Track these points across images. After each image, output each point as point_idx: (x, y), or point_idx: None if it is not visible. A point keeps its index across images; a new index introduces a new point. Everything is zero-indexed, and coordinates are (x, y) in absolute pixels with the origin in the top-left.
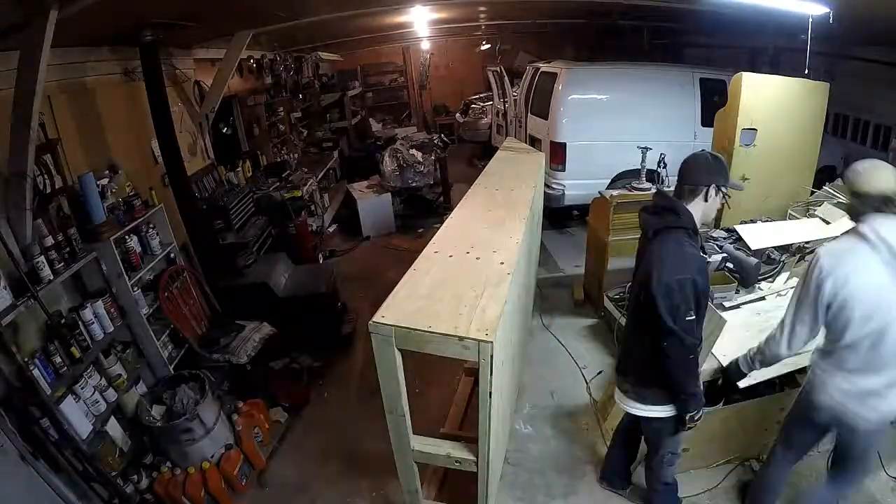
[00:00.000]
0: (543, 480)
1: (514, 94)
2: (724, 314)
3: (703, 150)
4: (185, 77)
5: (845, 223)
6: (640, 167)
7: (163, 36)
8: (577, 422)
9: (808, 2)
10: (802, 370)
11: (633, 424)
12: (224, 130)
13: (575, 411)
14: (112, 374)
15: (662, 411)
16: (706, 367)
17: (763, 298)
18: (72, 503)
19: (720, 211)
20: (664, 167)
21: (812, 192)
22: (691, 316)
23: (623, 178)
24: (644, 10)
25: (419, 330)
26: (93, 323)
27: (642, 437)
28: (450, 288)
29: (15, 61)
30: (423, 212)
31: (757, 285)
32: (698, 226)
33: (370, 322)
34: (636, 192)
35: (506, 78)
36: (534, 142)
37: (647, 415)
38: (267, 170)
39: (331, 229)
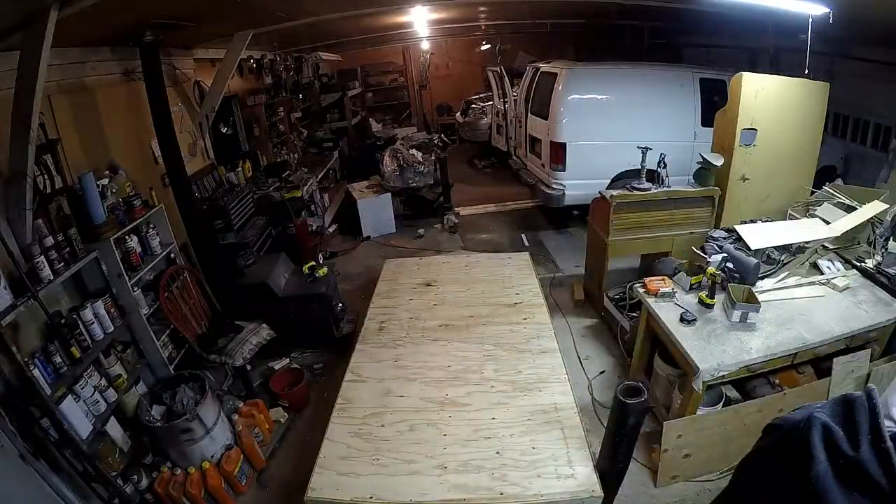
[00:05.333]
0: None
1: (514, 94)
2: None
3: None
4: (185, 77)
5: (844, 223)
6: (640, 167)
7: (163, 36)
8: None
9: (808, 2)
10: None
11: None
12: (224, 130)
13: None
14: (112, 374)
15: None
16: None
17: None
18: (72, 503)
19: (719, 211)
20: (664, 167)
21: (812, 192)
22: None
23: (623, 178)
24: (644, 10)
25: None
26: (93, 323)
27: None
28: None
29: (15, 61)
30: (423, 212)
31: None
32: None
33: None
34: (636, 192)
35: (506, 78)
36: (534, 142)
37: None
38: (267, 170)
39: (331, 229)
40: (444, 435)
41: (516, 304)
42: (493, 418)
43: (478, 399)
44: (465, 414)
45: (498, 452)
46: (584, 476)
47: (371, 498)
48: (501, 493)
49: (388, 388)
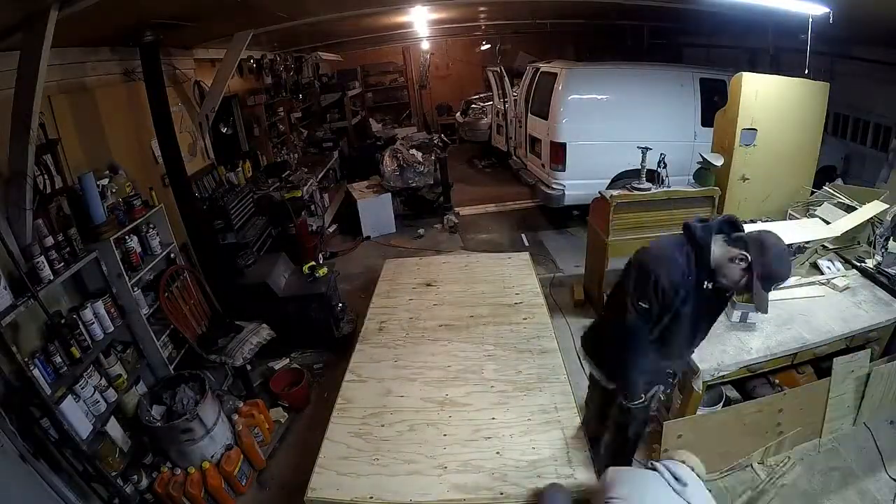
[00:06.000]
0: None
1: (514, 94)
2: None
3: (777, 240)
4: (185, 77)
5: (844, 223)
6: (640, 167)
7: (163, 36)
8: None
9: (808, 2)
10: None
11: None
12: (224, 130)
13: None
14: (112, 374)
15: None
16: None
17: None
18: (72, 503)
19: (719, 211)
20: (664, 167)
21: (812, 192)
22: (644, 304)
23: (623, 178)
24: (644, 10)
25: None
26: (93, 323)
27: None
28: None
29: (15, 61)
30: (423, 212)
31: None
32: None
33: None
34: (636, 192)
35: (506, 78)
36: (534, 142)
37: (609, 387)
38: (267, 170)
39: (331, 229)
40: (444, 435)
41: (516, 304)
42: (493, 418)
43: (478, 399)
44: (465, 414)
45: (498, 452)
46: (584, 476)
47: (371, 498)
48: (501, 493)
49: (388, 388)
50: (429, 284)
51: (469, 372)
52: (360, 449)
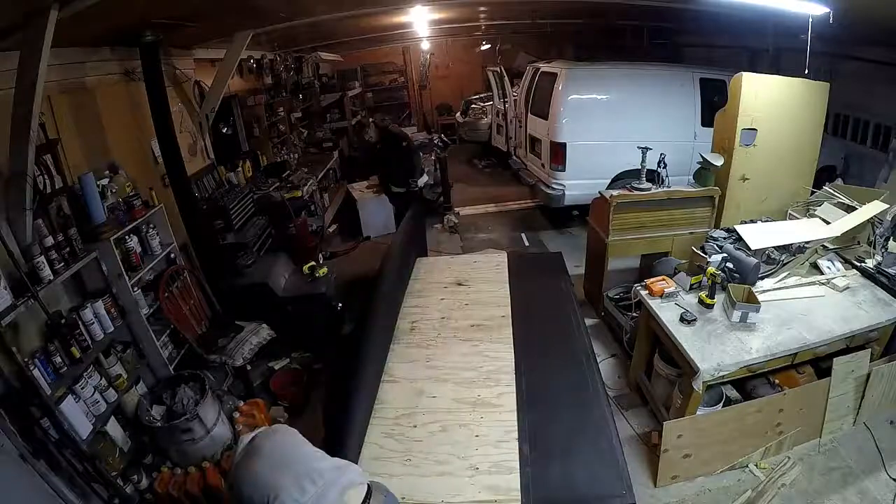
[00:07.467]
0: None
1: (514, 94)
2: None
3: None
4: (185, 77)
5: (844, 223)
6: (640, 167)
7: (163, 36)
8: None
9: (808, 2)
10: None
11: None
12: (224, 130)
13: None
14: (112, 374)
15: None
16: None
17: None
18: (72, 503)
19: (719, 211)
20: (664, 167)
21: (812, 192)
22: None
23: (623, 178)
24: (644, 10)
25: None
26: (93, 323)
27: None
28: None
29: (15, 61)
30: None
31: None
32: None
33: None
34: (636, 192)
35: (506, 78)
36: (534, 142)
37: None
38: (267, 170)
39: (331, 229)
40: (476, 436)
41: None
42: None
43: (509, 400)
44: (496, 415)
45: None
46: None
47: (403, 498)
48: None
49: (420, 389)
50: (460, 284)
51: (501, 373)
52: (393, 450)
